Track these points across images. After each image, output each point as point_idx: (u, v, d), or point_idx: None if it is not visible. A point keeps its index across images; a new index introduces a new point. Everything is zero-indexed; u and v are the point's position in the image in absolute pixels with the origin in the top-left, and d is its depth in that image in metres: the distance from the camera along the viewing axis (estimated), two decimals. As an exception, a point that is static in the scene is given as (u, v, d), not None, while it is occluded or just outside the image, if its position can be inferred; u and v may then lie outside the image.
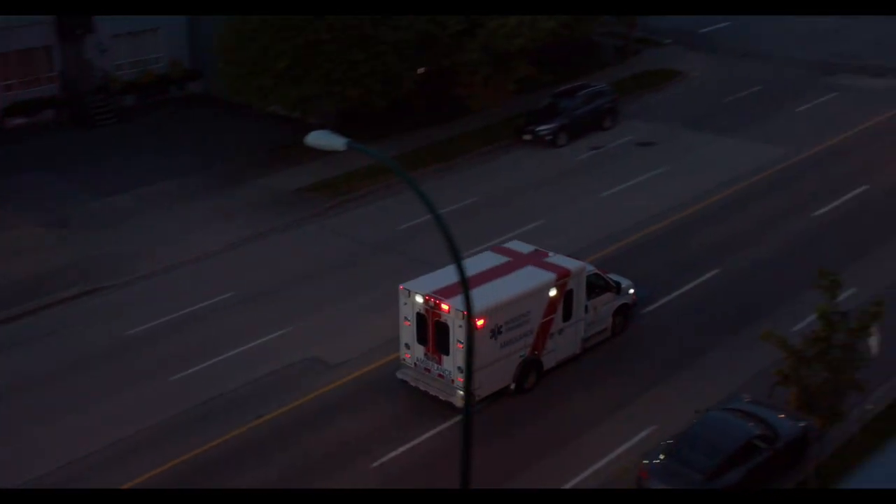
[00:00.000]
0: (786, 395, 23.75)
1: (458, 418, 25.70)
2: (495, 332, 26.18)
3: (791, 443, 23.53)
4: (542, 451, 25.01)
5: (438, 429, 25.93)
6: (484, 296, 25.75)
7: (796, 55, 56.79)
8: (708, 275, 33.52)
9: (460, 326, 25.65)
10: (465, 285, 15.32)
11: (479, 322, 25.31)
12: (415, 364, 27.30)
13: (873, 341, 23.26)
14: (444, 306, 25.88)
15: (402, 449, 25.26)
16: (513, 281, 27.25)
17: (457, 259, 14.88)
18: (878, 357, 23.68)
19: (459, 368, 25.93)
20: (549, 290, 27.36)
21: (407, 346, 27.35)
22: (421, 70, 45.76)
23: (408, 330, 27.13)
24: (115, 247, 37.07)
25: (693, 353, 29.10)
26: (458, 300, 25.62)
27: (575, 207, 39.15)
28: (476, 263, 27.94)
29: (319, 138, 15.82)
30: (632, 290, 30.49)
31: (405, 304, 26.89)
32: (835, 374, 22.59)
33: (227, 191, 41.70)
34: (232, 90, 43.87)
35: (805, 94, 50.70)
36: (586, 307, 28.78)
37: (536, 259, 28.54)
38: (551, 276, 27.57)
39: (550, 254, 29.04)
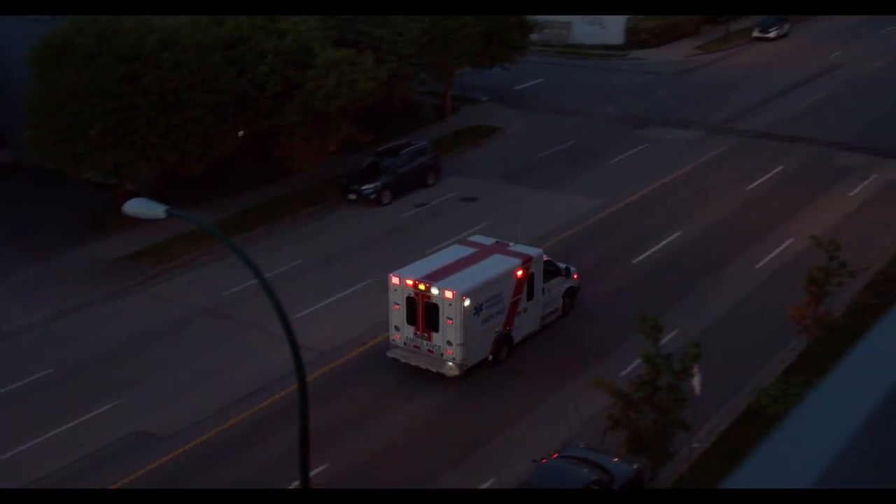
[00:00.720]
0: (618, 438, 24.30)
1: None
2: (478, 309, 30.09)
3: (626, 485, 24.04)
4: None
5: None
6: (465, 279, 30.14)
7: (607, 110, 59.04)
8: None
9: (450, 305, 29.41)
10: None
11: (462, 296, 29.51)
12: (404, 343, 30.75)
13: (696, 381, 24.13)
14: (435, 289, 29.73)
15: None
16: (486, 266, 31.32)
17: (285, 322, 14.63)
18: (700, 396, 24.57)
19: (448, 342, 29.79)
20: (516, 274, 31.46)
21: (396, 328, 30.92)
22: (241, 132, 45.29)
23: (397, 313, 30.78)
24: (-80, 327, 34.93)
25: (526, 404, 29.46)
26: (447, 282, 29.84)
27: (402, 265, 39.21)
28: (449, 254, 32.39)
29: (138, 206, 15.36)
30: (576, 275, 34.80)
31: (395, 290, 30.57)
32: (662, 415, 23.30)
33: (43, 262, 39.95)
34: (43, 157, 42.25)
35: (617, 146, 52.64)
36: (543, 289, 32.75)
37: (500, 248, 32.71)
38: (517, 261, 31.87)
39: (510, 244, 33.01)
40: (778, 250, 39.51)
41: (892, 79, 65.01)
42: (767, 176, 47.81)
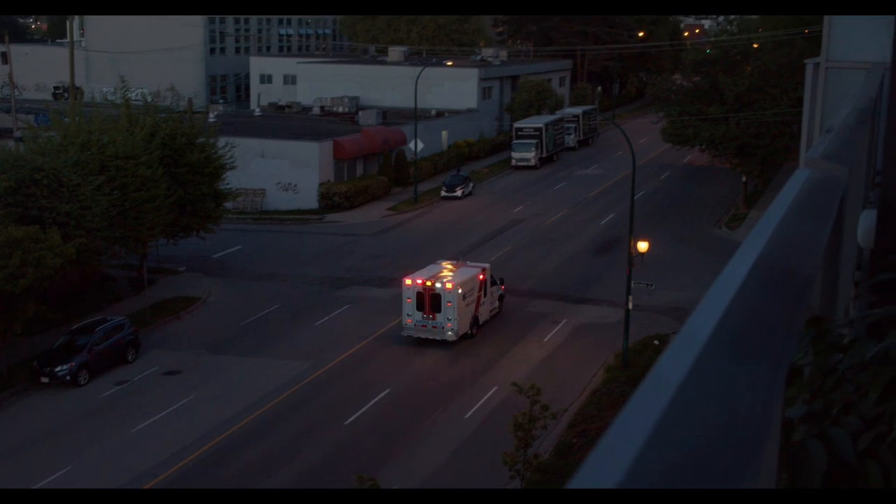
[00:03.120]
0: None
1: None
2: (464, 296, 45.88)
3: None
4: None
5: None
6: (454, 277, 46.15)
7: (308, 272, 59.40)
8: (252, 498, 32.93)
9: (449, 293, 45.02)
10: None
11: (457, 287, 45.68)
12: (414, 325, 45.90)
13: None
14: (438, 284, 45.87)
15: None
16: (461, 272, 47.25)
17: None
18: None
19: (448, 318, 45.25)
20: (479, 277, 47.54)
21: (408, 314, 45.89)
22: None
23: (409, 305, 45.82)
24: None
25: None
26: (447, 278, 46.09)
27: (104, 447, 37.04)
28: (435, 267, 48.29)
29: None
30: (503, 286, 51.30)
31: (407, 290, 45.82)
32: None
33: None
34: None
35: (320, 308, 52.84)
36: (490, 291, 48.84)
37: (464, 264, 49.14)
38: (478, 269, 48.16)
39: (467, 262, 49.97)
40: (485, 398, 40.65)
41: (566, 230, 69.99)
42: (467, 327, 49.53)
